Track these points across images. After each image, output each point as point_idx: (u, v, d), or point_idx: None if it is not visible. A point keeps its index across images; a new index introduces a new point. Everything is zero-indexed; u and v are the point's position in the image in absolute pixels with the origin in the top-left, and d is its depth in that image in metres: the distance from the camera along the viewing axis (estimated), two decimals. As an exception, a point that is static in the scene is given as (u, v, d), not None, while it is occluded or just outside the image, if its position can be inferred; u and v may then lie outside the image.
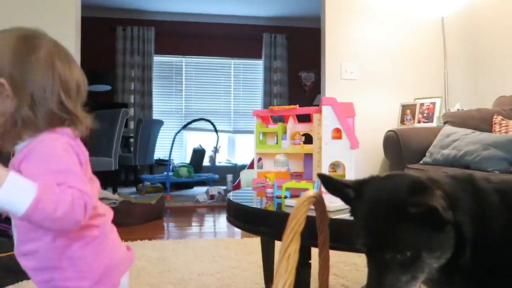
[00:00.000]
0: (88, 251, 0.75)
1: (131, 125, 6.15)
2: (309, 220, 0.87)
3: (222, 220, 3.49)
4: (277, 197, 1.31)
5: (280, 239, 1.08)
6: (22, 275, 1.70)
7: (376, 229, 0.63)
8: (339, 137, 1.28)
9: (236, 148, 6.92)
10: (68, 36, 2.96)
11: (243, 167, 5.74)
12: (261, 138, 1.74)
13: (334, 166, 1.51)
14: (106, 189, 4.71)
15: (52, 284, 0.75)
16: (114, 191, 4.22)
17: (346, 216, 0.96)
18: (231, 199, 1.22)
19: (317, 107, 1.59)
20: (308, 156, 1.63)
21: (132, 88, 6.42)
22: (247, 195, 1.53)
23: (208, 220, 3.48)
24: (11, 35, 0.75)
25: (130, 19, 6.41)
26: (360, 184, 0.70)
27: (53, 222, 0.65)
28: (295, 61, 6.70)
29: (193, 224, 3.34)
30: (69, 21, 3.00)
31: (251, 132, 6.85)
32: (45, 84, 0.75)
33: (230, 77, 6.89)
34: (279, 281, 0.48)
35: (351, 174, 1.26)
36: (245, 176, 3.15)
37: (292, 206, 1.08)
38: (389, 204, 0.63)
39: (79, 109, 0.81)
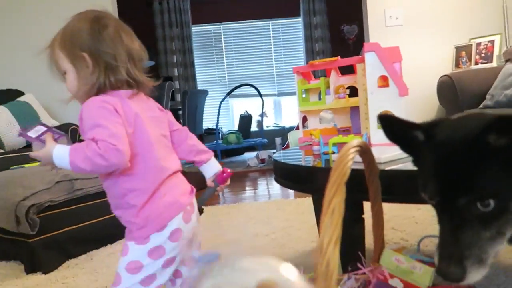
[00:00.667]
0: (137, 199, 0.88)
1: (178, 97, 6.26)
2: (358, 174, 0.83)
3: (274, 182, 3.51)
4: (324, 154, 1.27)
5: (309, 192, 1.05)
6: (92, 245, 1.82)
7: (451, 174, 0.53)
8: (386, 85, 1.20)
9: (282, 110, 6.86)
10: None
11: (291, 129, 5.69)
12: (303, 95, 1.69)
13: (383, 117, 1.43)
14: (161, 161, 4.90)
15: (122, 219, 0.91)
16: (168, 163, 4.37)
17: (399, 166, 0.91)
18: (276, 159, 1.19)
19: (359, 57, 1.50)
20: (355, 110, 1.55)
21: (175, 61, 6.49)
22: (293, 155, 1.51)
23: (261, 184, 3.52)
24: (85, 17, 0.92)
25: (165, -9, 6.39)
26: (431, 126, 0.59)
27: (92, 170, 0.83)
28: (336, 15, 6.38)
29: (246, 188, 3.39)
30: (105, 2, 3.03)
31: (296, 93, 6.72)
32: (115, 54, 0.90)
33: (270, 39, 6.73)
34: (324, 236, 0.45)
35: (402, 123, 1.19)
36: (293, 137, 3.11)
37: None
38: (467, 144, 0.52)
39: (143, 74, 0.95)
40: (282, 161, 1.16)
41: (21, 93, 2.86)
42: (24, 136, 0.89)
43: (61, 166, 0.84)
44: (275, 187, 3.30)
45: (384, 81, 1.22)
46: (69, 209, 1.73)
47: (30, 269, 1.61)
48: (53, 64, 0.93)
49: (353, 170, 0.82)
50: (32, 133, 0.88)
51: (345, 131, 1.62)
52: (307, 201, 2.41)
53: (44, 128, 0.90)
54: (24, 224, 1.53)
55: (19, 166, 1.99)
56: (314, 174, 1.00)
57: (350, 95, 1.59)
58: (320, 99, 1.62)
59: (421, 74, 2.99)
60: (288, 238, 1.73)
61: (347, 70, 1.61)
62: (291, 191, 2.99)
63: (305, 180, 1.03)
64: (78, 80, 0.90)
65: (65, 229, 1.72)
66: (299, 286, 0.35)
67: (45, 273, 1.60)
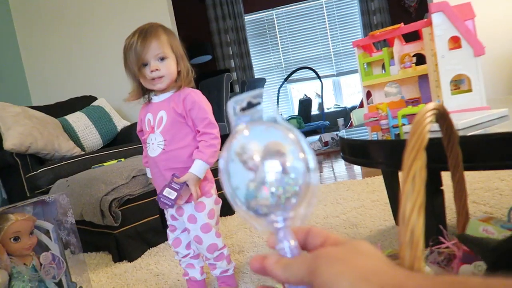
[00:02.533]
0: None
1: (237, 88, 6.34)
2: (434, 142, 0.77)
3: (340, 164, 3.43)
4: (393, 127, 1.20)
5: (399, 168, 1.00)
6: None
7: None
8: (458, 47, 1.10)
9: (342, 91, 6.67)
10: (163, 14, 3.11)
11: (352, 109, 5.53)
12: (366, 69, 1.62)
13: (456, 83, 1.32)
14: (226, 152, 5.01)
15: None
16: (233, 153, 4.45)
17: (479, 132, 0.83)
18: (344, 136, 1.16)
19: (425, 21, 1.40)
20: (423, 78, 1.46)
21: (231, 52, 6.57)
22: (359, 132, 1.45)
23: (326, 166, 3.46)
24: (157, 25, 1.18)
25: (215, -16, 6.46)
26: None
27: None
28: (393, -17, 6.02)
29: (312, 172, 3.35)
30: (162, 4, 3.13)
31: (355, 71, 6.49)
32: (183, 53, 1.20)
33: (324, 19, 6.54)
34: (406, 204, 0.42)
35: (480, 87, 1.09)
36: (356, 115, 3.01)
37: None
38: None
39: None
40: (349, 137, 1.12)
41: (95, 98, 3.07)
42: (166, 200, 1.15)
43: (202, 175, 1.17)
44: (341, 169, 3.22)
45: (455, 43, 1.12)
46: (146, 201, 1.84)
47: (117, 258, 1.74)
48: (154, 48, 1.12)
49: (429, 139, 0.77)
50: (172, 195, 1.14)
51: (414, 102, 1.52)
52: (377, 180, 2.33)
53: (174, 192, 1.15)
54: (109, 217, 1.65)
55: (99, 165, 2.15)
56: (386, 147, 0.95)
57: (417, 64, 1.50)
58: (384, 71, 1.54)
59: (497, 32, 2.72)
60: (360, 218, 1.69)
61: (411, 38, 1.51)
62: (358, 172, 2.91)
63: (376, 155, 0.99)
64: (174, 67, 1.16)
65: (144, 220, 1.82)
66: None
67: (130, 261, 1.72)
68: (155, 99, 1.21)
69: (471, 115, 0.93)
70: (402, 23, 1.45)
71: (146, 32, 1.14)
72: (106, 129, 2.76)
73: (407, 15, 6.00)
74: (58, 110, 2.77)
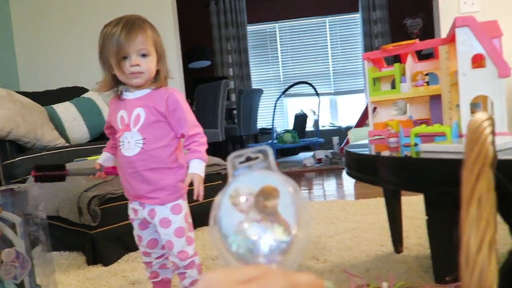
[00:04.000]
0: (184, 159, 1.16)
1: (233, 97, 6.27)
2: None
3: (331, 183, 3.35)
4: (404, 146, 1.12)
5: (418, 190, 0.91)
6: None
7: None
8: (481, 65, 1.03)
9: (338, 110, 6.64)
10: (167, 18, 3.03)
11: (348, 128, 5.48)
12: (374, 84, 1.54)
13: (472, 107, 1.25)
14: (216, 160, 4.90)
15: (169, 181, 1.14)
16: (224, 161, 4.35)
17: None
18: (351, 150, 1.07)
19: (442, 38, 1.33)
20: (435, 99, 1.38)
21: (230, 61, 6.51)
22: (364, 148, 1.36)
23: (318, 184, 3.38)
24: (144, 19, 1.11)
25: (221, -9, 6.43)
26: None
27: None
28: (397, 8, 6.06)
29: (303, 188, 3.26)
30: (166, 4, 3.05)
31: (353, 92, 6.47)
32: (164, 53, 1.13)
33: (326, 37, 6.54)
34: (471, 235, 0.32)
35: (502, 111, 1.01)
36: (354, 134, 2.94)
37: (431, 152, 0.89)
38: None
39: None
40: (359, 152, 1.03)
41: (86, 90, 2.95)
42: None
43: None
44: (332, 188, 3.14)
45: (478, 61, 1.05)
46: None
47: (92, 261, 1.61)
48: (138, 42, 1.04)
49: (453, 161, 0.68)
50: None
51: (423, 123, 1.45)
52: (372, 202, 2.24)
53: None
54: (86, 215, 1.53)
55: (83, 158, 2.03)
56: (398, 164, 0.86)
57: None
58: (393, 87, 1.46)
59: None
60: (355, 241, 1.59)
61: (424, 56, 1.44)
62: (349, 192, 2.82)
63: (386, 172, 0.90)
64: (154, 65, 1.08)
65: (125, 222, 1.69)
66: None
67: (105, 265, 1.59)
68: (129, 95, 1.12)
69: (505, 138, 0.85)
70: (417, 40, 1.38)
71: (133, 24, 1.06)
72: (95, 122, 2.64)
73: (409, 41, 6.01)
74: (46, 98, 2.64)
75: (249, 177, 0.36)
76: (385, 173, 0.89)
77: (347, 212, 2.08)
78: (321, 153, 4.21)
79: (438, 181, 0.77)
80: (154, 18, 1.17)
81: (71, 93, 2.86)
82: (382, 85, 1.56)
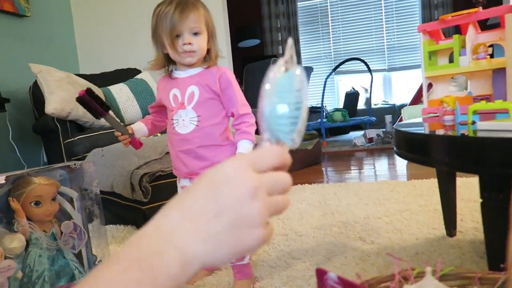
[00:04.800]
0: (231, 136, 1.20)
1: (282, 75, 6.19)
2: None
3: (383, 163, 3.24)
4: (461, 124, 1.04)
5: (473, 172, 0.85)
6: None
7: None
8: (554, 35, 0.91)
9: (392, 87, 6.35)
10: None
11: (402, 106, 5.24)
12: (430, 58, 1.44)
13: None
14: (265, 139, 4.91)
15: (217, 158, 1.14)
16: (272, 140, 4.35)
17: None
18: (400, 129, 1.01)
19: (509, 5, 1.20)
20: (499, 73, 1.27)
21: (280, 38, 6.42)
22: (416, 126, 1.29)
23: (368, 164, 3.28)
24: (200, 1, 1.12)
25: (271, -33, 6.29)
26: None
27: None
28: (461, -24, 5.60)
29: (352, 168, 3.19)
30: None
31: (409, 68, 6.14)
32: (215, 32, 1.14)
33: (381, 9, 6.21)
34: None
35: None
36: (408, 112, 2.80)
37: (490, 130, 0.82)
38: None
39: None
40: (410, 131, 0.97)
41: (138, 71, 3.05)
42: None
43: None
44: (384, 168, 3.03)
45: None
46: (178, 179, 1.77)
47: (144, 234, 1.69)
48: (191, 20, 1.05)
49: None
50: None
51: (484, 99, 1.34)
52: (425, 184, 2.14)
53: None
54: (138, 192, 1.60)
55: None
56: (453, 144, 0.80)
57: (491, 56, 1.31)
58: (452, 61, 1.36)
59: None
60: (405, 223, 1.53)
61: (487, 27, 1.32)
62: (402, 173, 2.71)
63: (439, 153, 0.84)
64: (205, 44, 1.09)
65: (174, 199, 1.76)
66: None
67: (156, 239, 1.66)
68: (180, 74, 1.13)
69: None
70: (481, 7, 1.27)
71: (186, 3, 1.07)
72: (147, 102, 2.73)
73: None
74: (103, 80, 2.77)
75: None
76: (437, 153, 0.83)
77: (398, 193, 2.00)
78: (372, 132, 4.07)
79: (496, 162, 0.71)
80: None
81: (126, 75, 2.97)
82: (439, 59, 1.45)
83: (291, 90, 0.41)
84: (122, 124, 1.22)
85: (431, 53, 1.43)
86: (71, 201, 1.10)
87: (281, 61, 0.42)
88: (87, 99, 1.09)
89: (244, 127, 1.12)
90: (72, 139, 2.10)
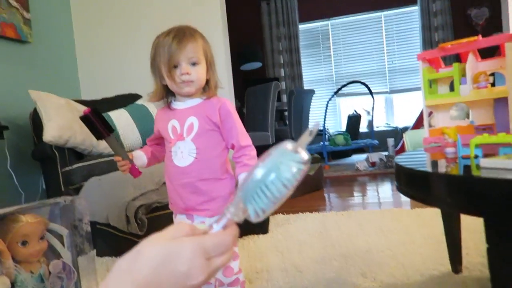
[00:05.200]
0: (231, 170, 1.16)
1: (284, 98, 6.21)
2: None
3: (386, 188, 3.18)
4: (463, 158, 1.01)
5: (474, 213, 0.81)
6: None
7: None
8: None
9: (394, 109, 6.34)
10: (215, 20, 3.05)
11: (404, 129, 5.20)
12: (430, 86, 1.42)
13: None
14: (267, 162, 4.87)
15: (219, 192, 1.11)
16: (274, 164, 4.31)
17: None
18: (400, 163, 0.98)
19: (509, 34, 1.19)
20: (500, 102, 1.24)
21: (281, 61, 6.46)
22: (418, 158, 1.25)
23: (371, 189, 3.23)
24: (194, 29, 1.11)
25: (272, -9, 6.40)
26: None
27: None
28: (460, -1, 5.66)
29: (355, 194, 3.14)
30: (214, 5, 3.07)
31: (411, 90, 6.14)
32: (214, 62, 1.12)
33: (382, 33, 6.26)
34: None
35: None
36: (411, 138, 2.76)
37: (492, 168, 0.78)
38: None
39: None
40: (407, 165, 0.94)
41: (139, 97, 3.05)
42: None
43: None
44: (387, 194, 2.98)
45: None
46: (175, 209, 1.73)
47: (140, 267, 1.64)
48: (189, 50, 1.04)
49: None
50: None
51: (486, 129, 1.30)
52: (428, 212, 2.09)
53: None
54: (134, 224, 1.56)
55: (134, 165, 2.08)
56: (455, 184, 0.77)
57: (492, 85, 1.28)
58: (452, 90, 1.33)
59: None
60: (409, 257, 1.47)
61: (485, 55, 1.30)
62: (406, 199, 2.66)
63: (441, 191, 0.80)
64: (204, 74, 1.08)
65: (171, 230, 1.72)
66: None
67: (152, 272, 1.61)
68: (179, 105, 1.11)
69: None
70: (480, 36, 1.25)
71: (184, 33, 1.06)
72: (147, 128, 2.71)
73: (473, 34, 5.59)
74: (103, 105, 2.76)
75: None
76: (439, 192, 0.79)
77: (401, 223, 1.95)
78: (375, 156, 4.03)
79: (502, 204, 0.67)
80: (203, 23, 1.18)
81: (126, 100, 2.97)
82: (439, 87, 1.43)
83: (290, 172, 0.41)
84: (123, 148, 1.20)
85: (431, 81, 1.41)
86: (60, 238, 1.06)
87: (294, 145, 0.43)
88: (91, 118, 1.06)
89: (245, 160, 1.08)
90: (70, 167, 2.08)
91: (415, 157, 1.25)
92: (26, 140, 2.54)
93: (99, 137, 1.10)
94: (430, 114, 1.44)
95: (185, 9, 3.09)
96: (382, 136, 5.30)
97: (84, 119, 1.06)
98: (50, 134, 2.09)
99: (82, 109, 2.42)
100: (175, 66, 1.04)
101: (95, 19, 3.28)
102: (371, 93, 4.75)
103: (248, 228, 1.90)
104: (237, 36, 5.65)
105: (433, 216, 2.01)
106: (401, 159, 1.09)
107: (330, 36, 6.46)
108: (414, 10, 6.03)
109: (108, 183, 1.80)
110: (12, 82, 2.56)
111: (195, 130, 1.07)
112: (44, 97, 2.26)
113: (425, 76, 1.37)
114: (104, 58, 3.35)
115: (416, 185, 0.90)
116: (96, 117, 1.07)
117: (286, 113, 5.80)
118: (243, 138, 1.10)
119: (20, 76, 2.64)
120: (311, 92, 5.58)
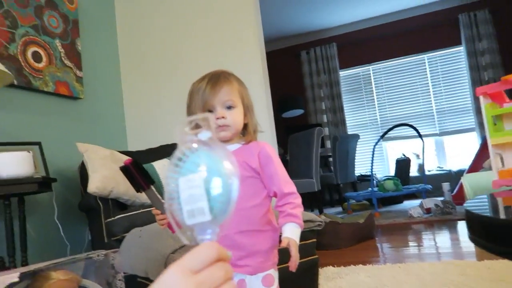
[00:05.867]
0: (275, 221, 1.08)
1: (328, 144, 6.10)
2: None
3: (445, 237, 2.91)
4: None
5: None
6: None
7: None
8: None
9: (446, 152, 6.01)
10: (256, 72, 3.07)
11: (459, 172, 4.87)
12: (495, 124, 1.28)
13: None
14: (313, 210, 4.69)
15: (263, 245, 1.03)
16: (320, 212, 4.13)
17: None
18: (471, 210, 0.84)
19: None
20: None
21: (323, 107, 6.43)
22: (487, 204, 1.10)
23: (428, 238, 2.96)
24: (230, 72, 1.09)
25: (312, 41, 6.52)
26: None
27: None
28: (508, 36, 5.45)
29: (410, 243, 2.88)
30: (255, 59, 3.11)
31: (462, 131, 5.83)
32: (252, 106, 1.08)
33: (426, 74, 6.11)
34: None
35: None
36: (470, 181, 2.54)
37: None
38: None
39: None
40: (482, 213, 0.80)
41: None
42: None
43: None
44: (446, 244, 2.71)
45: None
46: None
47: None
48: (223, 94, 1.01)
49: None
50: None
51: None
52: (501, 265, 1.84)
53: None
54: (173, 278, 1.47)
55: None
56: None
57: None
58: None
59: None
60: (486, 320, 1.26)
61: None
62: (469, 249, 2.38)
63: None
64: (241, 118, 1.03)
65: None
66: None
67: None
68: None
69: None
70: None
71: (218, 77, 1.04)
72: (190, 178, 2.69)
73: (526, 70, 5.31)
74: (148, 156, 2.79)
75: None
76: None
77: (468, 277, 1.72)
78: (429, 202, 3.75)
79: None
80: (244, 72, 1.14)
81: (170, 150, 3.00)
82: (505, 123, 1.29)
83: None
84: (163, 202, 1.14)
85: (495, 117, 1.27)
86: (95, 295, 0.99)
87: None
88: (131, 170, 1.03)
89: (289, 209, 1.00)
90: (112, 218, 2.06)
91: (485, 202, 1.09)
92: (74, 191, 2.59)
93: (138, 189, 1.06)
94: (498, 154, 1.29)
95: (227, 58, 3.16)
96: (435, 180, 4.99)
97: (124, 170, 1.03)
98: (94, 185, 2.10)
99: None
100: (210, 111, 1.01)
101: (141, 74, 3.42)
102: (420, 135, 4.54)
103: (296, 283, 1.75)
104: (277, 85, 5.73)
105: (507, 268, 1.76)
106: (471, 206, 0.95)
107: (372, 80, 6.39)
108: (459, 51, 5.88)
109: (148, 235, 1.75)
110: (63, 136, 2.66)
111: None
112: (91, 149, 2.31)
113: (488, 112, 1.24)
114: (150, 109, 3.46)
115: (493, 236, 0.76)
116: (136, 169, 1.04)
117: (330, 159, 5.65)
118: (286, 184, 1.02)
119: (70, 129, 2.75)
120: (356, 136, 5.44)
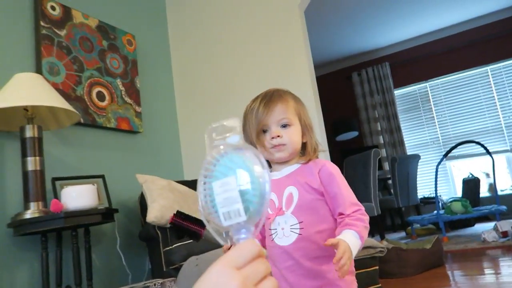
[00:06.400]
0: None
1: (386, 166, 5.86)
2: None
3: (528, 264, 2.61)
4: None
5: None
6: None
7: None
8: None
9: (520, 169, 5.51)
10: (307, 97, 3.05)
11: (538, 191, 4.42)
12: None
13: None
14: (373, 236, 4.47)
15: (331, 274, 0.94)
16: (382, 238, 3.92)
17: None
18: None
19: None
20: None
21: (379, 128, 6.23)
22: None
23: (506, 265, 2.68)
24: (285, 90, 1.07)
25: (362, 62, 6.41)
26: None
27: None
28: None
29: (487, 271, 2.62)
30: (306, 83, 3.10)
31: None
32: (311, 124, 1.04)
33: (491, 87, 5.73)
34: None
35: None
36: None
37: None
38: None
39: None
40: None
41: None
42: None
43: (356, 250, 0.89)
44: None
45: None
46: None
47: None
48: (277, 112, 0.97)
49: None
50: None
51: None
52: None
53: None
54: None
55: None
56: None
57: None
58: None
59: None
60: None
61: None
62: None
63: None
64: (299, 137, 0.99)
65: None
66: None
67: None
68: (275, 174, 1.00)
69: None
70: None
71: (271, 95, 1.00)
72: (244, 205, 2.69)
73: None
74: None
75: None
76: None
77: (560, 310, 1.51)
78: (506, 224, 3.42)
79: None
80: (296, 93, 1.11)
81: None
82: None
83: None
84: (223, 235, 1.12)
85: None
86: (151, 325, 1.00)
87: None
88: (178, 222, 1.04)
89: (348, 220, 0.91)
90: (170, 247, 2.10)
91: None
92: (135, 222, 2.69)
93: (195, 238, 1.04)
94: None
95: (278, 82, 3.19)
96: (509, 200, 4.57)
97: (173, 224, 1.04)
98: (153, 214, 2.17)
99: (182, 189, 2.51)
100: (265, 131, 0.97)
101: (195, 106, 3.54)
102: (488, 152, 4.21)
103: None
104: (330, 108, 5.67)
105: None
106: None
107: (430, 97, 6.10)
108: (526, 59, 5.47)
109: (205, 263, 1.75)
110: (124, 168, 2.80)
111: (295, 201, 0.94)
112: (149, 179, 2.40)
113: None
114: (204, 139, 3.55)
115: None
116: (183, 219, 1.04)
117: (389, 182, 5.40)
118: (350, 206, 0.92)
119: (131, 162, 2.89)
120: (416, 157, 5.17)
